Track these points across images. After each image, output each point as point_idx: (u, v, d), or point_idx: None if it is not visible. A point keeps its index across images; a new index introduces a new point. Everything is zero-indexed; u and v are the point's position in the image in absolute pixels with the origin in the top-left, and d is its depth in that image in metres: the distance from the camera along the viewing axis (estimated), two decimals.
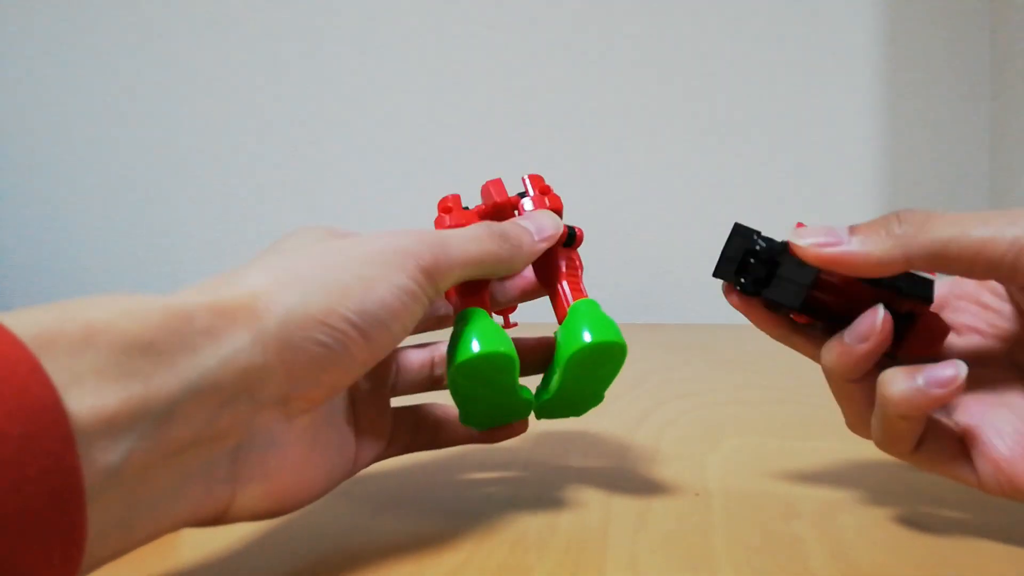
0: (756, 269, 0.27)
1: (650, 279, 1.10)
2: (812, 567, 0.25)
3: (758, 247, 0.27)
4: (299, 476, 0.24)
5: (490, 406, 0.29)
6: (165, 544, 0.27)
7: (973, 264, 0.23)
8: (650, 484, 0.34)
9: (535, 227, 0.29)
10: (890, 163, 1.04)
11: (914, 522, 0.29)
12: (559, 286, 0.30)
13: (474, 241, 0.27)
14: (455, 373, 0.26)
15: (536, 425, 0.45)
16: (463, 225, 0.30)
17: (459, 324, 0.28)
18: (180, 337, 0.19)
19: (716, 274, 0.28)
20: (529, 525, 0.28)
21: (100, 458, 0.17)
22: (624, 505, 0.31)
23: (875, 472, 0.36)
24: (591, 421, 0.45)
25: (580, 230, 0.31)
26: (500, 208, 0.31)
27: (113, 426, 0.17)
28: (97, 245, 1.23)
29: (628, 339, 0.29)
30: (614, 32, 1.10)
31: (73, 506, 0.16)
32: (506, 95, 1.13)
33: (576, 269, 0.31)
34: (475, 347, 0.26)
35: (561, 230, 0.30)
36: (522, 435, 0.42)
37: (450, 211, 0.31)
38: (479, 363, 0.26)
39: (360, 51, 1.16)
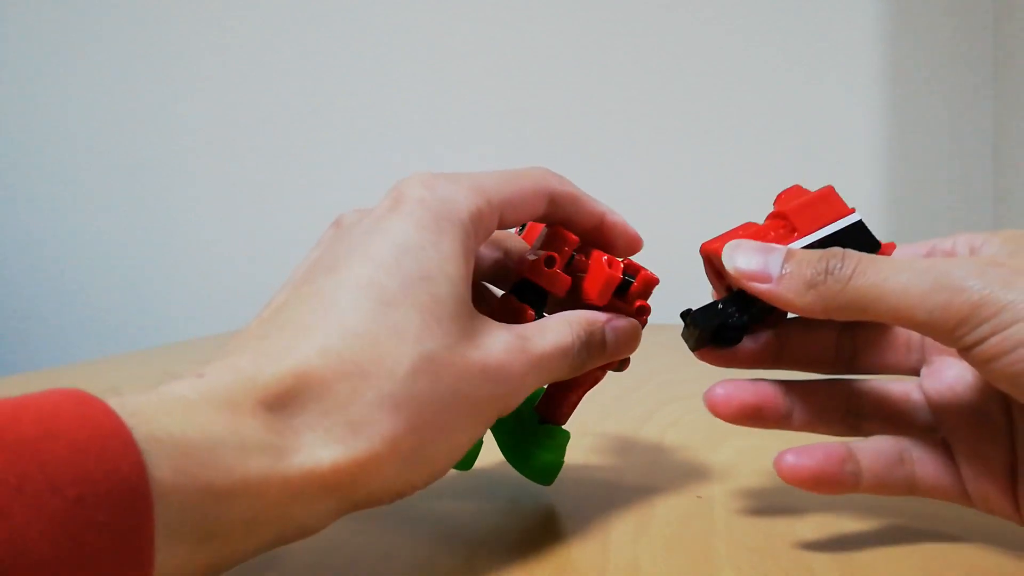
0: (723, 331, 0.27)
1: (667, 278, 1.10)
2: (814, 569, 0.25)
3: (731, 320, 0.27)
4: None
5: None
6: None
7: (897, 323, 0.23)
8: (652, 486, 0.34)
9: (615, 347, 0.28)
10: (893, 162, 1.04)
11: (917, 524, 0.29)
12: (575, 390, 0.29)
13: (562, 363, 0.25)
14: None
15: None
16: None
17: None
18: (281, 514, 0.19)
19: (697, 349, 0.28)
20: (529, 528, 0.28)
21: None
22: (626, 507, 0.31)
23: None
24: (593, 422, 0.45)
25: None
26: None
27: None
28: (97, 244, 1.23)
29: None
30: (614, 33, 1.10)
31: None
32: (509, 90, 1.13)
33: (590, 388, 0.30)
34: None
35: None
36: None
37: (549, 277, 0.27)
38: None
39: (360, 51, 1.16)
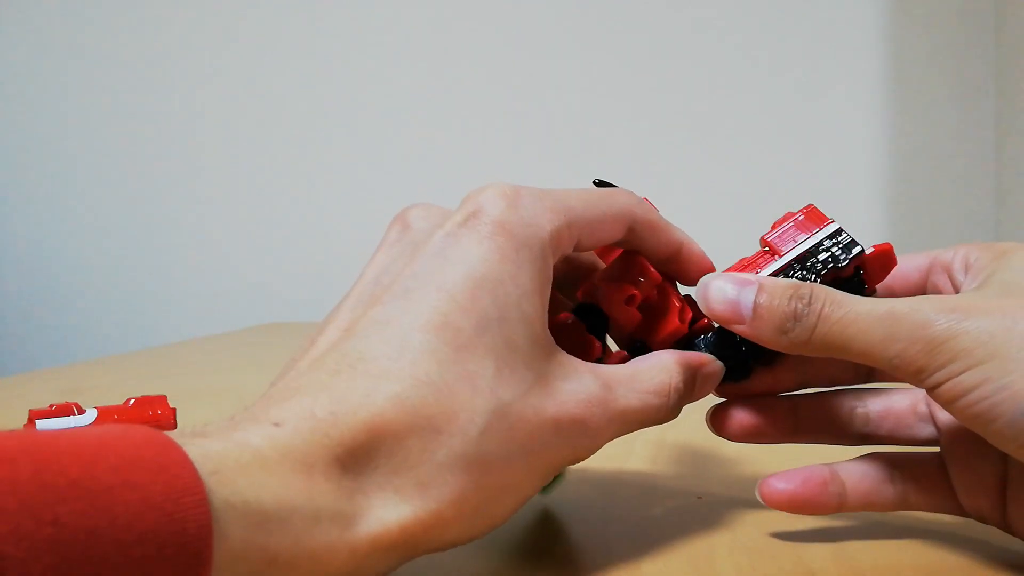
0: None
1: None
2: (814, 569, 0.24)
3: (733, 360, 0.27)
4: None
5: None
6: None
7: (869, 364, 0.23)
8: (652, 487, 0.33)
9: (701, 393, 0.27)
10: (895, 162, 1.04)
11: (917, 524, 0.29)
12: None
13: (645, 422, 0.25)
14: None
15: None
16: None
17: None
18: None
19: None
20: (529, 528, 0.28)
21: None
22: (626, 508, 0.30)
23: None
24: None
25: (623, 353, 0.28)
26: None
27: None
28: (96, 244, 1.23)
29: None
30: (617, 33, 1.10)
31: None
32: (514, 93, 1.13)
33: None
34: None
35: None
36: None
37: (628, 316, 0.26)
38: None
39: (364, 51, 1.16)
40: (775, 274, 0.26)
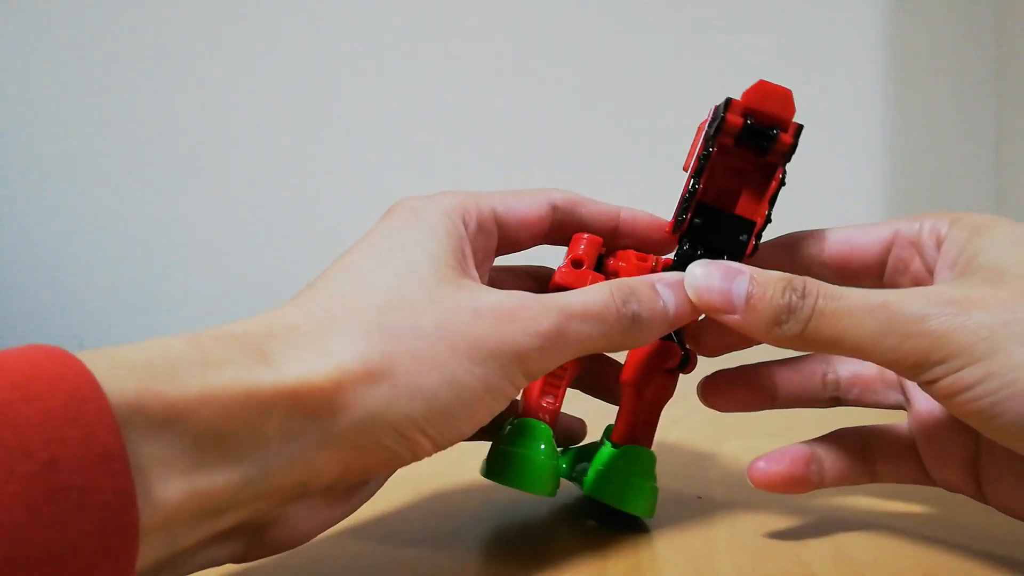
0: None
1: None
2: (814, 569, 0.24)
3: None
4: (323, 522, 0.23)
5: None
6: None
7: (864, 360, 0.23)
8: None
9: (674, 304, 0.24)
10: (895, 161, 1.04)
11: (917, 524, 0.29)
12: (634, 410, 0.28)
13: (599, 323, 0.23)
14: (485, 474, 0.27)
15: None
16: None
17: (510, 436, 0.26)
18: (254, 433, 0.19)
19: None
20: (530, 528, 0.28)
21: (149, 554, 0.17)
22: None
23: None
24: (593, 423, 0.45)
25: (696, 359, 0.28)
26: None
27: (170, 522, 0.17)
28: (97, 244, 1.23)
29: None
30: (614, 32, 1.10)
31: None
32: (510, 93, 1.13)
33: (663, 400, 0.28)
34: (500, 477, 0.26)
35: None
36: None
37: (580, 264, 0.27)
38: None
39: (361, 53, 1.16)
40: (693, 168, 0.26)
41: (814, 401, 0.29)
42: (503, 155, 1.13)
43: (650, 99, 1.09)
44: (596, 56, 1.11)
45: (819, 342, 0.23)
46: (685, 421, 0.45)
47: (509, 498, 0.32)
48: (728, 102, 0.26)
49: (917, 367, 0.21)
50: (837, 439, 0.28)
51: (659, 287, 0.24)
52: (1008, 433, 0.21)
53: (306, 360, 0.20)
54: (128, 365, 0.17)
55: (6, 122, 1.24)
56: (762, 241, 0.27)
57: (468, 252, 0.25)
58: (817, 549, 0.26)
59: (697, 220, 0.26)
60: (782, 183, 0.26)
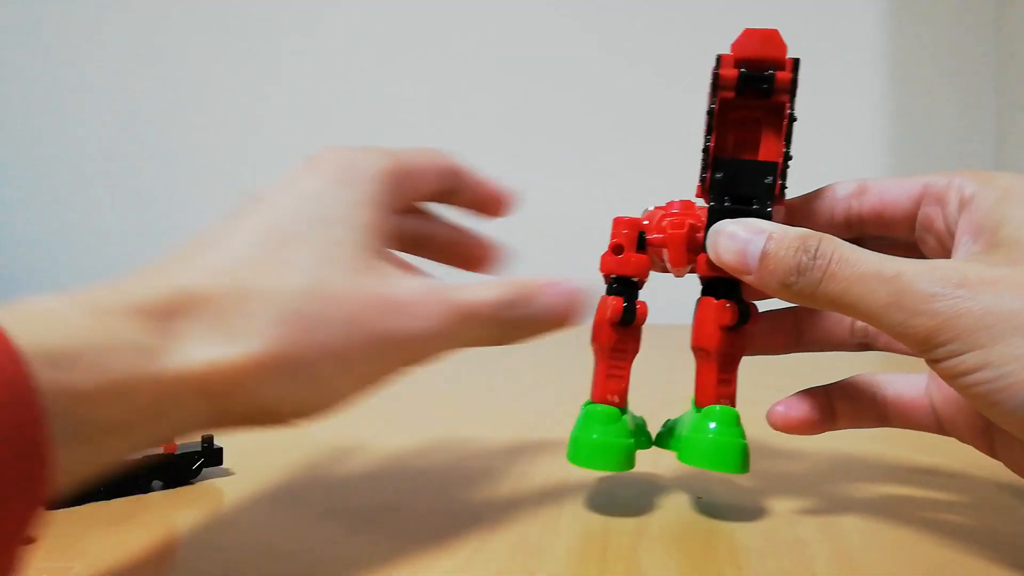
0: None
1: (654, 279, 1.09)
2: (814, 569, 0.24)
3: None
4: None
5: None
6: (158, 556, 0.27)
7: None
8: (652, 487, 0.33)
9: (554, 307, 0.26)
10: (895, 161, 1.04)
11: (919, 525, 0.29)
12: (708, 370, 0.28)
13: (482, 324, 0.24)
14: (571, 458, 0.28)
15: (536, 427, 0.45)
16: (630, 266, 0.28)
17: (585, 421, 0.28)
18: (148, 415, 0.19)
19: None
20: (529, 529, 0.28)
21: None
22: (626, 508, 0.30)
23: (880, 474, 0.35)
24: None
25: (757, 312, 0.28)
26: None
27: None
28: (98, 245, 1.23)
29: None
30: (613, 30, 1.10)
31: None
32: (506, 91, 1.13)
33: (735, 357, 0.28)
34: (583, 461, 0.28)
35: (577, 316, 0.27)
36: (522, 437, 0.42)
37: (622, 250, 0.28)
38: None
39: (360, 51, 1.16)
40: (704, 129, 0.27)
41: (842, 345, 0.30)
42: (504, 155, 1.13)
43: (648, 98, 1.09)
44: (594, 55, 1.10)
45: (830, 304, 0.23)
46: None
47: (508, 497, 0.32)
48: (719, 58, 0.27)
49: (923, 344, 0.21)
50: (851, 383, 0.28)
51: (547, 290, 0.25)
52: (1006, 419, 0.21)
53: (215, 345, 0.20)
54: (35, 348, 0.17)
55: (7, 122, 1.24)
56: (805, 192, 0.28)
57: (388, 225, 0.25)
58: (817, 549, 0.26)
59: (718, 175, 0.27)
60: (792, 118, 0.27)
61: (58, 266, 1.24)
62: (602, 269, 0.29)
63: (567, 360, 0.72)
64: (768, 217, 0.26)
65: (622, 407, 0.29)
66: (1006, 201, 0.23)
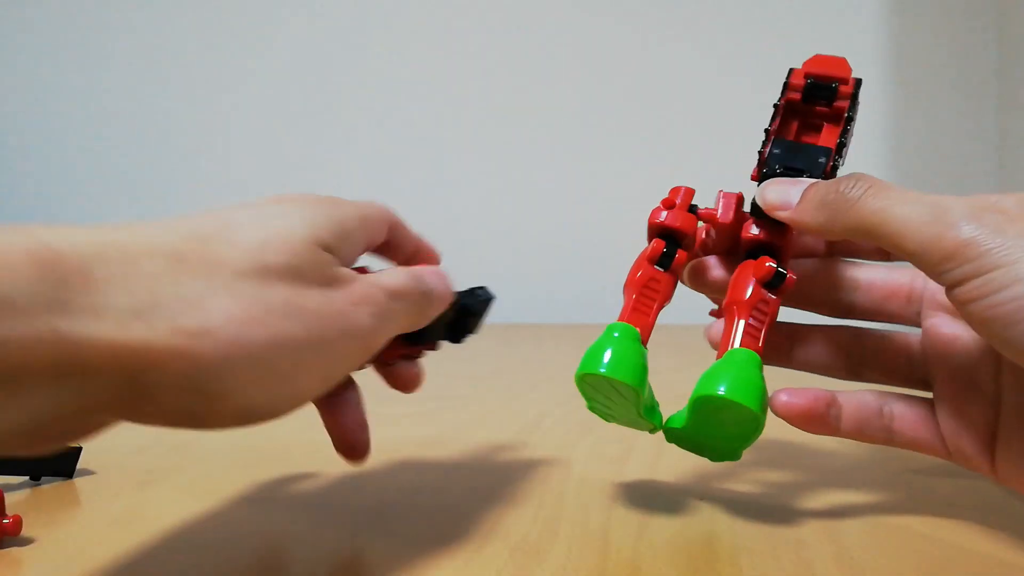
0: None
1: None
2: (814, 569, 0.24)
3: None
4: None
5: (615, 412, 0.29)
6: (155, 549, 0.27)
7: (894, 249, 0.23)
8: (652, 488, 0.33)
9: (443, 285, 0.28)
10: (897, 164, 1.04)
11: (918, 525, 0.29)
12: (735, 322, 0.28)
13: (406, 301, 0.25)
14: (578, 379, 0.27)
15: (535, 427, 0.45)
16: (685, 227, 0.29)
17: (605, 335, 0.28)
18: (53, 379, 0.17)
19: None
20: (530, 529, 0.28)
21: None
22: (626, 509, 0.30)
23: (880, 475, 0.35)
24: (593, 423, 0.45)
25: (793, 278, 0.28)
26: (724, 230, 0.30)
27: None
28: None
29: None
30: (612, 29, 1.10)
31: None
32: (503, 91, 1.13)
33: (765, 316, 0.28)
34: (601, 367, 0.26)
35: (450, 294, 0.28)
36: (522, 438, 0.42)
37: (672, 207, 0.30)
38: (602, 381, 0.27)
39: (361, 52, 1.16)
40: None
41: (834, 369, 0.30)
42: (503, 156, 1.13)
43: (648, 98, 1.09)
44: (592, 55, 1.11)
45: (862, 223, 0.24)
46: None
47: (508, 497, 0.32)
48: (790, 70, 0.30)
49: (947, 260, 0.21)
50: (860, 395, 0.29)
51: (426, 271, 0.27)
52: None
53: (138, 312, 0.18)
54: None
55: (7, 122, 1.24)
56: None
57: (347, 231, 0.25)
58: (817, 549, 0.26)
59: (776, 150, 0.29)
60: (849, 119, 0.29)
61: None
62: (650, 220, 0.30)
63: (567, 360, 0.72)
64: None
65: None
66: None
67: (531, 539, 0.27)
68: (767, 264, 0.28)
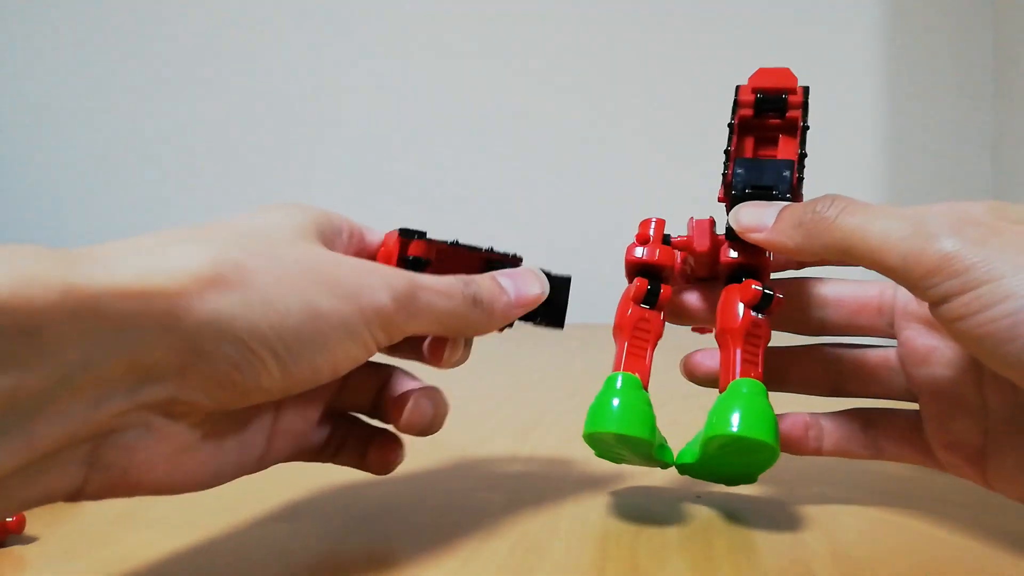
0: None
1: None
2: (814, 569, 0.25)
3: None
4: (174, 468, 0.21)
5: (626, 456, 0.29)
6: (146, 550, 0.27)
7: (874, 266, 0.23)
8: (651, 486, 0.34)
9: (515, 289, 0.27)
10: (892, 163, 1.04)
11: (917, 523, 0.29)
12: (733, 352, 0.27)
13: (446, 298, 0.25)
14: (587, 437, 0.27)
15: (535, 427, 0.45)
16: (662, 260, 0.29)
17: (606, 388, 0.27)
18: (76, 324, 0.17)
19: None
20: (529, 527, 0.28)
21: None
22: (625, 507, 0.31)
23: (878, 473, 0.35)
24: None
25: (780, 298, 0.28)
26: (700, 256, 0.29)
27: None
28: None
29: None
30: (609, 34, 1.10)
31: None
32: (503, 93, 1.13)
33: (759, 339, 0.28)
34: (609, 424, 0.26)
35: (546, 291, 0.28)
36: (522, 437, 0.42)
37: (647, 242, 0.29)
38: (611, 436, 0.27)
39: (361, 54, 1.16)
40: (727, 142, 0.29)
41: (815, 387, 0.30)
42: (503, 156, 1.13)
43: (648, 98, 1.09)
44: (592, 56, 1.11)
45: (841, 241, 0.23)
46: (683, 421, 0.45)
47: (508, 496, 0.32)
48: (737, 87, 0.30)
49: (931, 275, 0.21)
50: (843, 413, 0.29)
51: (498, 278, 0.27)
52: (1015, 360, 0.20)
53: (147, 260, 0.19)
54: None
55: (8, 122, 1.24)
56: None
57: (343, 236, 0.26)
58: (817, 549, 0.26)
59: (739, 170, 0.28)
60: (805, 127, 0.29)
61: None
62: (627, 258, 0.29)
63: (567, 361, 0.72)
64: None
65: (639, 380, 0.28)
66: (995, 209, 0.23)
67: (530, 537, 0.27)
68: (753, 287, 0.27)
